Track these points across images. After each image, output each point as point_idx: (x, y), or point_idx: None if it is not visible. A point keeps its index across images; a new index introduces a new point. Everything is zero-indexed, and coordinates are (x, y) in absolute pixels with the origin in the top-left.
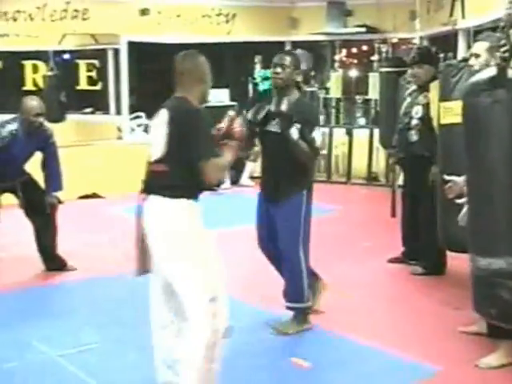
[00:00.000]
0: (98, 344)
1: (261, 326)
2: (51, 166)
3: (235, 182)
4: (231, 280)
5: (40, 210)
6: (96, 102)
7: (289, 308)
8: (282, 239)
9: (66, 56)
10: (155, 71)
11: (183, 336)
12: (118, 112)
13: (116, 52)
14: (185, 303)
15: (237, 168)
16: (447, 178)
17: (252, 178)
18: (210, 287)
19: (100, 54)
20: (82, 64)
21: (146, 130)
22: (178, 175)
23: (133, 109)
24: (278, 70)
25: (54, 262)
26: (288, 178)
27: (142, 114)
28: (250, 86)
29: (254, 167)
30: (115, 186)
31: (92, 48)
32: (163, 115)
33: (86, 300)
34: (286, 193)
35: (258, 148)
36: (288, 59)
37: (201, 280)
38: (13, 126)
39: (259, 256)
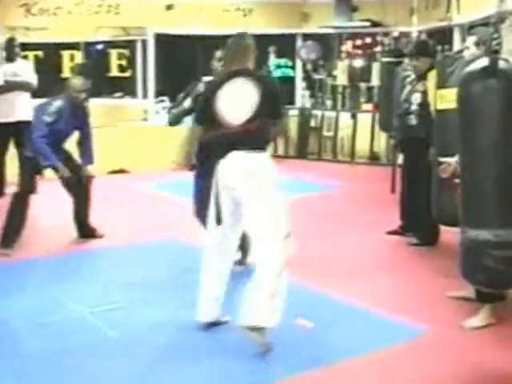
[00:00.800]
0: (124, 303)
1: None
2: (86, 143)
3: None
4: None
5: (77, 182)
6: (125, 87)
7: None
8: None
9: (100, 46)
10: (178, 60)
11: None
12: (145, 96)
13: (144, 43)
14: (267, 239)
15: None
16: (442, 159)
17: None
18: (287, 225)
19: (130, 45)
20: (114, 53)
21: (170, 112)
22: (265, 132)
23: (158, 93)
24: None
25: (86, 230)
26: None
27: (165, 98)
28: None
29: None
30: (141, 163)
31: (123, 39)
32: (248, 83)
33: (115, 264)
34: None
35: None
36: None
37: (284, 219)
38: (59, 103)
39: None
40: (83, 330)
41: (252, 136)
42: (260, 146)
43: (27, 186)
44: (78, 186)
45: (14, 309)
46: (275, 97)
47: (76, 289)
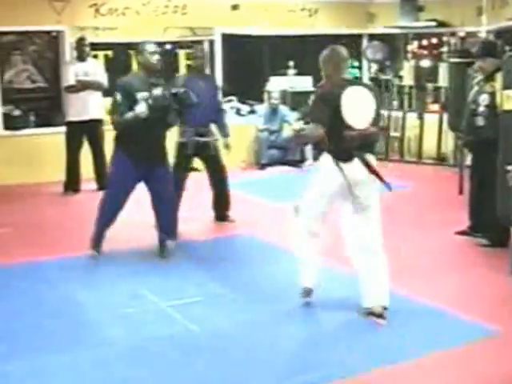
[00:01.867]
0: (203, 297)
1: (337, 284)
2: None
3: (318, 159)
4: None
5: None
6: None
7: None
8: None
9: (168, 46)
10: (245, 60)
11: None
12: None
13: (211, 43)
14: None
15: (317, 147)
16: (508, 168)
17: None
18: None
19: (197, 45)
20: (182, 53)
21: (238, 112)
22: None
23: (225, 93)
24: None
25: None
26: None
27: (233, 97)
28: None
29: None
30: None
31: (190, 39)
32: (365, 92)
33: (192, 259)
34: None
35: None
36: None
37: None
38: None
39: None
40: (163, 322)
41: (369, 140)
42: (372, 150)
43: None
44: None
45: (94, 299)
46: (379, 105)
47: (154, 282)
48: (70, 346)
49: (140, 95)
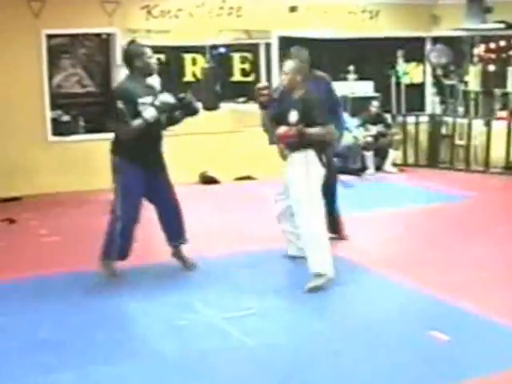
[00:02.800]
0: (257, 309)
1: (398, 297)
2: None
3: (379, 168)
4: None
5: None
6: (249, 92)
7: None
8: None
9: (222, 50)
10: None
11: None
12: None
13: (267, 46)
14: None
15: (380, 155)
16: None
17: (395, 164)
18: None
19: (252, 48)
20: (236, 57)
21: None
22: None
23: None
24: None
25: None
26: None
27: None
28: (393, 79)
29: (397, 154)
30: (266, 170)
31: (245, 42)
32: None
33: (246, 270)
34: None
35: (399, 137)
36: None
37: None
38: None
39: (407, 236)
40: (216, 335)
41: None
42: None
43: None
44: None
45: (145, 311)
46: None
47: (207, 294)
48: (121, 357)
49: (142, 100)
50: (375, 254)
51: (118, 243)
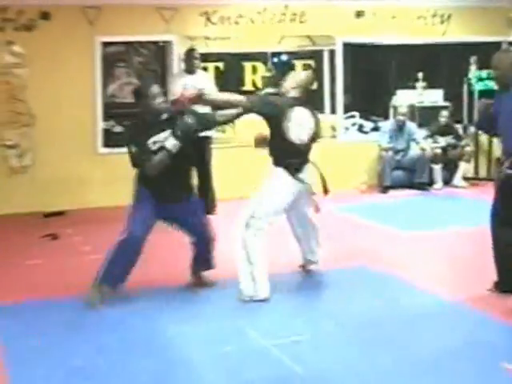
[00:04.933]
0: (309, 336)
1: (467, 326)
2: None
3: (447, 182)
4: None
5: None
6: (312, 101)
7: None
8: None
9: (284, 57)
10: (369, 71)
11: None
12: (333, 111)
13: (331, 53)
14: None
15: (449, 168)
16: None
17: (465, 178)
18: None
19: (316, 55)
20: (299, 64)
21: (361, 129)
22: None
23: (347, 108)
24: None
25: None
26: None
27: (355, 113)
28: (465, 87)
29: (467, 167)
30: (329, 183)
31: (308, 49)
32: (305, 112)
33: (297, 293)
34: None
35: (470, 148)
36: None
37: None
38: None
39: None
40: (265, 363)
41: (309, 153)
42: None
43: None
44: None
45: (191, 335)
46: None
47: (257, 318)
48: None
49: (153, 139)
50: (435, 274)
51: (119, 263)
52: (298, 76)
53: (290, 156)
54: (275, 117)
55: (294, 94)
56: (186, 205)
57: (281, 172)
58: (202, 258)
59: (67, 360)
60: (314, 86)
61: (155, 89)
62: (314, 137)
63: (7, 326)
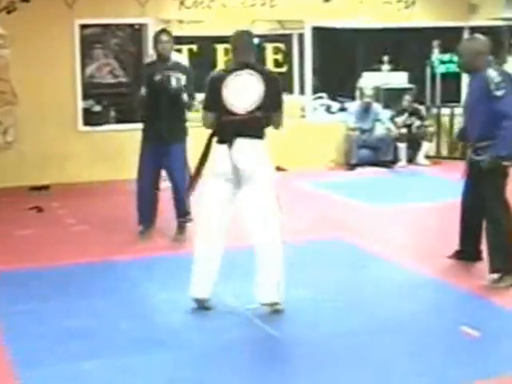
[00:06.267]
0: (288, 303)
1: (430, 293)
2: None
3: (411, 160)
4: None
5: None
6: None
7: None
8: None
9: (255, 40)
10: (336, 54)
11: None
12: (302, 92)
13: (301, 36)
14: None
15: (413, 147)
16: None
17: (428, 157)
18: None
19: (285, 39)
20: (269, 47)
21: (328, 109)
22: (265, 121)
23: (315, 89)
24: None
25: None
26: None
27: (323, 94)
28: (428, 70)
29: (429, 147)
30: (298, 161)
31: (278, 33)
32: (252, 75)
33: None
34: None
35: (433, 128)
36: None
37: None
38: None
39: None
40: (242, 326)
41: (255, 124)
42: (261, 135)
43: None
44: None
45: (173, 301)
46: (277, 90)
47: (234, 284)
48: (148, 347)
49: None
50: (401, 246)
51: (136, 206)
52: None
53: (225, 127)
54: (216, 90)
55: (240, 59)
56: (172, 148)
57: (218, 149)
58: (175, 204)
59: (61, 322)
60: (284, 69)
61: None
62: (263, 106)
63: None
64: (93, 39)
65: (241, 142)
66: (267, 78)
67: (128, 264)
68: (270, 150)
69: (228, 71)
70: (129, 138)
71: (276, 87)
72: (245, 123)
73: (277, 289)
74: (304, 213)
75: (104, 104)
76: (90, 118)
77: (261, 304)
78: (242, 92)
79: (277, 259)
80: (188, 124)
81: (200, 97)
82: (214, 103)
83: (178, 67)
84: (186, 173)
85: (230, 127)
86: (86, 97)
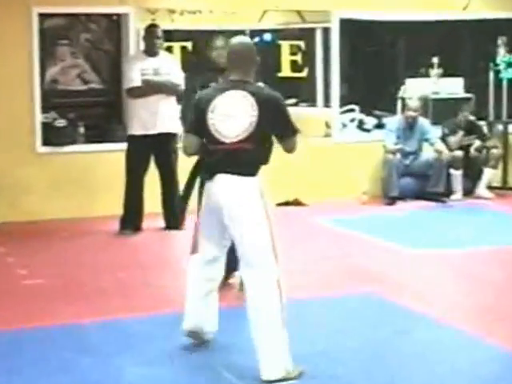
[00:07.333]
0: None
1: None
2: None
3: (470, 192)
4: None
5: None
6: (300, 91)
7: None
8: None
9: (267, 36)
10: (372, 55)
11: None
12: (327, 104)
13: (326, 32)
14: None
15: (471, 175)
16: None
17: (491, 188)
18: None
19: (306, 35)
20: (285, 46)
21: (361, 126)
22: (257, 155)
23: (344, 100)
24: None
25: None
26: None
27: (355, 106)
28: (491, 75)
29: (493, 175)
30: (321, 192)
31: (297, 27)
32: (245, 97)
33: (297, 323)
34: None
35: (497, 150)
36: None
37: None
38: None
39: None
40: None
41: (242, 158)
42: (250, 171)
43: None
44: None
45: (150, 379)
46: (279, 113)
47: (232, 357)
48: None
49: None
50: (455, 304)
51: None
52: None
53: (207, 158)
54: (201, 113)
55: (232, 76)
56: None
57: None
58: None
59: None
60: (304, 74)
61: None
62: (256, 135)
63: None
64: (56, 33)
65: (223, 179)
66: (263, 100)
67: (95, 329)
68: (285, 179)
69: (217, 90)
70: (102, 162)
71: (276, 110)
72: (230, 156)
73: (279, 360)
74: (325, 260)
75: (70, 117)
76: (52, 136)
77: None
78: (231, 117)
79: (272, 321)
80: None
81: None
82: (199, 127)
83: None
84: None
85: (211, 159)
86: (46, 108)
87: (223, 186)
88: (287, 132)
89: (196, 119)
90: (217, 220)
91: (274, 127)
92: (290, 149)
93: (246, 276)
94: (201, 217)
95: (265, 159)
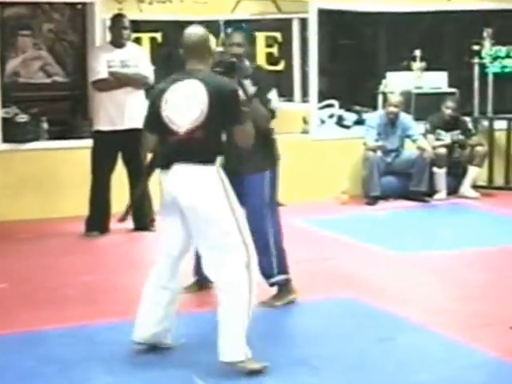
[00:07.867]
0: None
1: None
2: None
3: (454, 191)
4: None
5: None
6: (276, 85)
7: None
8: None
9: (240, 27)
10: (351, 48)
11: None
12: (305, 99)
13: (303, 22)
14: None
15: (456, 174)
16: None
17: (476, 187)
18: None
19: (283, 26)
20: (260, 37)
21: (340, 121)
22: (211, 143)
23: (323, 95)
24: None
25: None
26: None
27: (334, 101)
28: (476, 69)
29: (478, 173)
30: (299, 192)
31: (273, 17)
32: (197, 86)
33: (260, 331)
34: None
35: (483, 148)
36: None
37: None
38: None
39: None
40: None
41: (196, 146)
42: (206, 159)
43: None
44: None
45: None
46: (230, 101)
47: (209, 367)
48: None
49: None
50: (439, 309)
51: None
52: None
53: (161, 150)
54: (156, 105)
55: (188, 65)
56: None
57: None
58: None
59: None
60: (280, 67)
61: None
62: (209, 123)
63: None
64: (17, 23)
65: (178, 169)
66: (214, 87)
67: (59, 336)
68: None
69: (171, 81)
70: (67, 159)
71: (228, 98)
72: (183, 145)
73: (240, 344)
74: (303, 264)
75: (33, 113)
76: (13, 133)
77: (221, 362)
78: (183, 107)
79: (238, 303)
80: None
81: None
82: (156, 122)
83: None
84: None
85: (166, 149)
86: (6, 103)
87: (177, 175)
88: (237, 119)
89: (151, 113)
90: (177, 211)
91: (224, 115)
92: (242, 137)
93: (212, 261)
94: (161, 213)
95: (218, 148)
